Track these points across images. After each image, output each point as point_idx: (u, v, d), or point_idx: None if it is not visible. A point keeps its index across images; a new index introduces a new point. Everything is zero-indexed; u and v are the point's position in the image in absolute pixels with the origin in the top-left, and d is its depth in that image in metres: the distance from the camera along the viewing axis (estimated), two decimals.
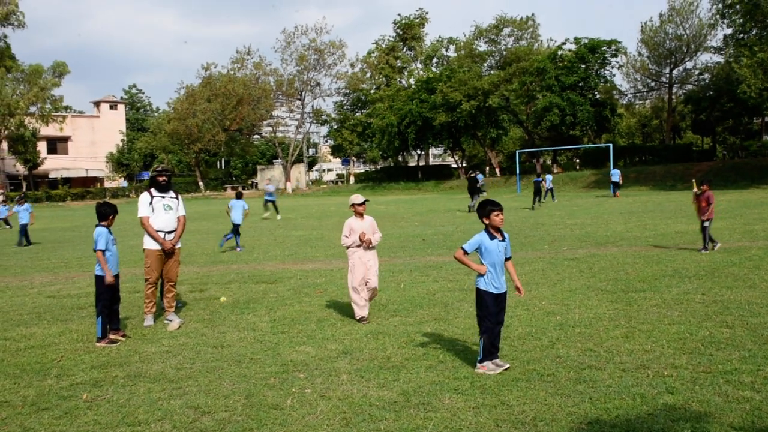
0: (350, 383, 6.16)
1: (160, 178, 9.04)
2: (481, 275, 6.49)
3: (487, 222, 6.58)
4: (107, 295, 8.04)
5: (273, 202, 32.28)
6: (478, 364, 6.41)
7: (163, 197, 8.99)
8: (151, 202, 8.90)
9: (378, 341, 7.66)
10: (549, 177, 38.68)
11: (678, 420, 4.94)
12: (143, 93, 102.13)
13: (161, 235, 8.85)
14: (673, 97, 63.42)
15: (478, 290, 6.52)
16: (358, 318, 8.74)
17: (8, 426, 5.39)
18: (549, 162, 66.34)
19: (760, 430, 4.72)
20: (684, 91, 63.77)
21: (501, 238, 6.59)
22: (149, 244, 8.87)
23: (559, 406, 5.33)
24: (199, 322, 9.08)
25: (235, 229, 18.12)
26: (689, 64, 62.25)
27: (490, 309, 6.43)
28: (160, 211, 8.91)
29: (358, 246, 8.77)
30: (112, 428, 5.23)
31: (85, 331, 8.66)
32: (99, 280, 8.05)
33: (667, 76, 62.55)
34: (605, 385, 5.79)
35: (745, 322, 7.82)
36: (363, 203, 8.90)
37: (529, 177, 56.81)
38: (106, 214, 8.19)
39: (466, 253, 6.49)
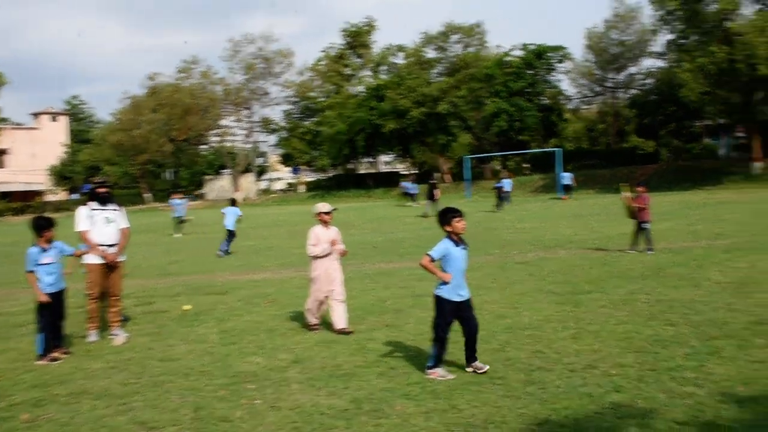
0: (301, 392, 6.10)
1: (100, 191, 8.84)
2: (444, 283, 6.46)
3: (449, 229, 6.60)
4: (47, 312, 7.81)
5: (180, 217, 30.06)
6: (428, 370, 6.41)
7: (104, 210, 8.79)
8: (91, 216, 8.69)
9: (329, 349, 7.62)
10: (508, 182, 39.21)
11: (624, 417, 5.02)
12: (86, 104, 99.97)
13: (103, 248, 8.65)
14: (618, 101, 64.82)
15: (439, 297, 6.50)
16: (311, 325, 8.68)
17: None
18: (499, 167, 66.97)
19: (702, 425, 4.82)
20: (629, 95, 65.25)
21: (464, 246, 6.55)
22: (90, 258, 8.65)
23: (509, 408, 5.37)
24: (146, 335, 8.89)
25: (230, 235, 18.82)
26: (633, 69, 63.77)
27: (447, 318, 6.46)
28: (100, 225, 8.70)
29: (327, 255, 8.63)
30: None
31: (25, 349, 8.40)
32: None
33: (613, 81, 63.93)
34: (554, 386, 5.85)
35: (689, 320, 8.00)
36: (330, 212, 8.80)
37: (478, 182, 57.39)
38: (40, 227, 7.95)
39: (432, 260, 6.46)
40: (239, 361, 7.33)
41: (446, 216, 6.66)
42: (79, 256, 8.49)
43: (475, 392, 5.82)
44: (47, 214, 8.23)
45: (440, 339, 6.43)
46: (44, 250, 7.89)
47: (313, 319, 8.68)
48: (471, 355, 6.53)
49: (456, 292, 6.49)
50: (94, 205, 8.77)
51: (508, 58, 59.99)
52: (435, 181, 34.94)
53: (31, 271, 7.79)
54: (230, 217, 18.90)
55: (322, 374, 6.64)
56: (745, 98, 41.78)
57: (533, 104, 58.02)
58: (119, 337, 8.60)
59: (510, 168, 65.68)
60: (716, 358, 6.41)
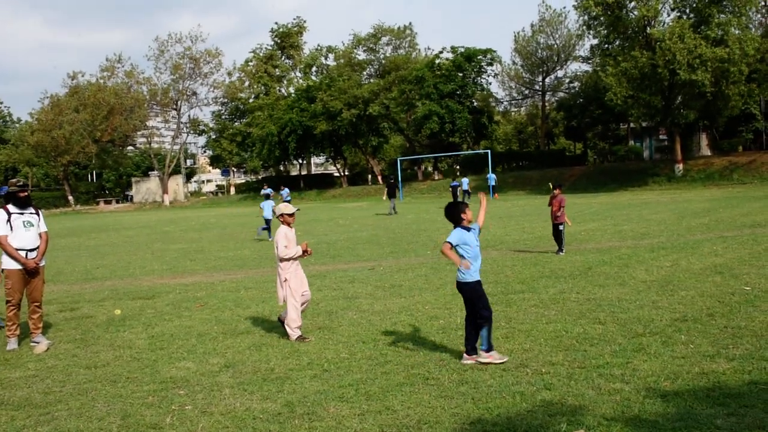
0: (233, 397, 5.99)
1: (21, 194, 8.51)
2: (466, 270, 6.81)
3: (464, 217, 6.95)
4: None
5: None
6: (485, 354, 6.62)
7: (22, 213, 8.46)
8: (8, 220, 8.34)
9: (261, 353, 7.51)
10: (465, 180, 41.02)
11: (555, 414, 5.09)
12: (2, 103, 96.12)
13: (23, 253, 8.32)
14: (546, 104, 66.27)
15: (470, 283, 6.87)
16: (300, 338, 8.05)
17: None
18: (430, 169, 67.60)
19: (629, 419, 4.93)
20: (556, 98, 66.87)
21: (472, 229, 7.10)
22: (9, 264, 8.32)
23: (442, 408, 5.38)
24: (70, 342, 8.59)
25: (267, 224, 22.63)
26: (560, 73, 65.49)
27: (485, 296, 6.90)
28: (19, 229, 8.37)
29: (300, 256, 8.41)
30: None
31: None
32: None
33: (540, 84, 65.37)
34: (487, 385, 5.90)
35: (616, 318, 8.20)
36: (293, 213, 8.57)
37: (410, 183, 57.79)
38: None
39: (452, 246, 6.83)
40: (168, 367, 7.15)
41: (459, 208, 7.05)
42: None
43: (408, 393, 5.81)
44: None
45: (489, 318, 6.72)
46: None
47: (298, 331, 8.12)
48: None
49: (479, 273, 6.95)
50: (12, 208, 8.43)
51: (438, 61, 60.59)
52: (393, 180, 36.13)
53: None
54: (267, 209, 22.53)
55: (254, 378, 6.53)
56: (667, 102, 43.28)
57: (464, 106, 58.78)
58: (41, 344, 8.28)
59: (441, 170, 66.47)
60: (642, 354, 6.58)
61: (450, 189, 39.28)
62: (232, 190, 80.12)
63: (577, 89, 63.17)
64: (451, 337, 7.74)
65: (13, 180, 8.67)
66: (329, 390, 6.04)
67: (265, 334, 8.49)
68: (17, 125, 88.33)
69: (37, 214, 8.68)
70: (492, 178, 42.79)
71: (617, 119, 59.79)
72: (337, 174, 75.40)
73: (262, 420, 5.37)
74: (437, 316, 8.94)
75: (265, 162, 73.29)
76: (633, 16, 42.41)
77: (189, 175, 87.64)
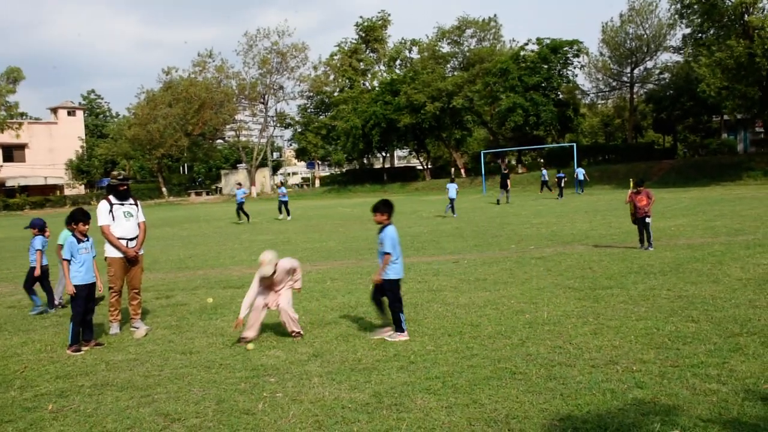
0: (321, 386, 6.12)
1: (121, 187, 8.90)
2: (391, 268, 7.72)
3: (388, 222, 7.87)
4: (78, 303, 7.91)
5: (241, 204, 31.95)
6: (398, 334, 7.67)
7: (123, 204, 8.85)
8: (110, 210, 8.75)
9: (348, 343, 7.63)
10: (544, 171, 41.11)
11: (648, 414, 4.99)
12: (102, 99, 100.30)
13: (123, 242, 8.72)
14: (635, 96, 64.42)
15: (393, 281, 7.76)
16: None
17: None
18: (514, 162, 66.85)
19: (726, 422, 4.79)
20: (645, 90, 64.89)
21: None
22: (111, 252, 8.72)
23: (530, 404, 5.35)
24: (166, 328, 8.95)
25: (452, 201, 27.50)
26: (650, 64, 63.47)
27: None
28: (120, 219, 8.77)
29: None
30: None
31: (49, 341, 8.49)
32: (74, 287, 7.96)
33: (629, 75, 63.56)
34: (575, 382, 5.83)
35: (710, 316, 7.95)
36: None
37: (494, 177, 57.18)
38: (77, 219, 8.07)
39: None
40: (259, 355, 7.35)
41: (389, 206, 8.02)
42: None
43: (496, 387, 5.81)
44: (84, 208, 8.35)
45: (401, 309, 7.81)
46: (80, 242, 8.00)
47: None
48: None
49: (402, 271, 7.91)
50: (113, 199, 8.83)
51: (523, 53, 59.73)
52: (507, 171, 36.49)
53: (67, 260, 7.89)
54: (452, 190, 27.26)
55: (342, 368, 6.65)
56: (765, 93, 41.38)
57: (549, 99, 57.83)
58: (140, 329, 8.67)
59: (525, 163, 65.60)
60: (739, 354, 6.37)
61: (556, 179, 39.79)
62: (317, 182, 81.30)
63: (667, 80, 61.14)
64: (537, 331, 7.67)
65: (114, 173, 9.08)
66: (416, 382, 6.09)
67: (351, 324, 8.61)
68: (116, 120, 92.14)
69: (136, 205, 9.06)
70: (580, 172, 41.99)
71: (710, 111, 57.60)
72: (420, 167, 75.44)
73: (351, 409, 5.47)
74: (523, 311, 8.87)
75: (349, 155, 74.04)
76: (729, 4, 40.66)
77: (275, 168, 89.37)
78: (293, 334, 8.10)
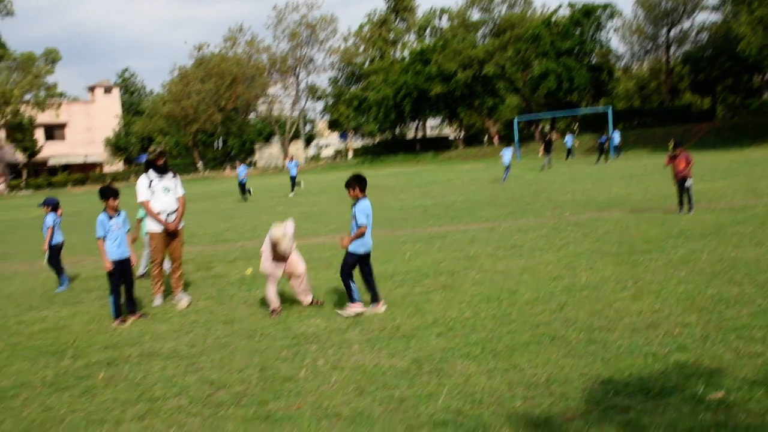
0: (361, 353, 6.20)
1: (159, 162, 9.02)
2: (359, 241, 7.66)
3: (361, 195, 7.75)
4: (114, 278, 8.08)
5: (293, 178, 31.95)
6: (352, 305, 7.68)
7: (162, 179, 8.98)
8: (150, 186, 8.88)
9: (387, 311, 7.69)
10: (567, 137, 40.64)
11: (691, 376, 4.97)
12: (136, 76, 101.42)
13: (163, 215, 8.86)
14: (671, 57, 63.09)
15: (354, 254, 7.69)
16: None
17: (30, 406, 5.46)
18: (547, 128, 66.12)
19: None
20: (682, 51, 63.47)
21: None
22: (152, 226, 8.87)
23: (571, 368, 5.37)
24: (207, 299, 9.12)
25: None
26: (686, 24, 62.18)
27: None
28: (159, 194, 8.90)
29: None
30: (131, 405, 5.29)
31: (96, 312, 8.71)
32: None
33: (664, 37, 62.25)
34: (616, 346, 5.82)
35: (754, 279, 7.84)
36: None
37: (527, 144, 56.68)
38: (106, 195, 8.19)
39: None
40: (299, 324, 7.46)
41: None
42: (139, 224, 8.71)
43: (535, 352, 5.83)
44: (113, 184, 8.47)
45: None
46: (110, 218, 8.13)
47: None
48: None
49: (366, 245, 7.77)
50: (152, 174, 8.95)
51: (555, 18, 58.74)
52: (550, 136, 36.28)
53: (100, 238, 8.04)
54: (507, 155, 27.93)
55: (381, 335, 6.72)
56: None
57: (582, 64, 56.92)
58: (183, 300, 8.84)
59: (559, 129, 64.83)
60: None
61: (597, 144, 39.95)
62: (350, 154, 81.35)
63: (704, 41, 59.75)
64: (575, 297, 7.65)
65: (151, 149, 9.20)
66: (455, 348, 6.14)
67: (389, 293, 8.65)
68: (150, 97, 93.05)
69: (176, 179, 9.19)
70: (616, 136, 41.54)
71: (750, 70, 56.21)
72: (453, 136, 75.03)
73: (391, 375, 5.53)
74: (560, 276, 8.84)
75: (381, 125, 73.87)
76: None
77: (308, 140, 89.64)
78: (315, 302, 8.32)
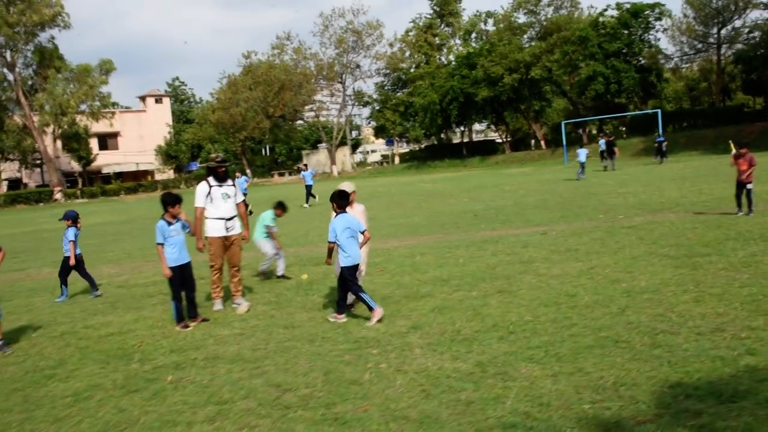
0: (424, 357, 6.24)
1: (220, 170, 9.20)
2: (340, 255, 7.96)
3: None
4: (174, 283, 8.26)
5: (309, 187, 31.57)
6: (337, 315, 7.96)
7: (221, 186, 9.15)
8: (209, 193, 9.05)
9: (445, 316, 7.72)
10: (601, 141, 40.23)
11: (763, 380, 4.90)
12: (186, 85, 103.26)
13: (222, 222, 9.01)
14: (722, 57, 61.78)
15: (344, 267, 7.92)
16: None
17: (105, 407, 5.63)
18: (595, 131, 65.35)
19: None
20: (733, 51, 62.08)
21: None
22: (211, 232, 9.03)
23: (637, 371, 5.33)
24: (266, 304, 9.26)
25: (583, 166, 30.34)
26: (738, 23, 60.58)
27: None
28: (218, 200, 9.06)
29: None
30: (201, 407, 5.42)
31: (159, 317, 8.92)
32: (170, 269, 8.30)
33: (715, 36, 60.94)
34: (682, 349, 5.76)
35: None
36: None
37: (574, 147, 55.95)
38: (167, 202, 8.38)
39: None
40: (358, 328, 7.53)
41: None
42: (193, 234, 8.88)
43: (599, 355, 5.80)
44: (174, 191, 8.68)
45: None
46: (169, 224, 8.31)
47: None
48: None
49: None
50: (212, 181, 9.13)
51: (603, 19, 58.03)
52: (613, 138, 36.23)
53: (160, 244, 8.22)
54: (582, 155, 31.12)
55: (442, 339, 6.76)
56: None
57: (630, 65, 56.12)
58: (242, 305, 8.99)
59: (607, 132, 64.02)
60: None
61: (655, 144, 39.92)
62: (397, 159, 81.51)
63: (757, 39, 58.26)
64: (636, 300, 7.58)
65: (213, 156, 9.37)
66: (518, 351, 6.14)
67: (446, 297, 8.69)
68: (200, 105, 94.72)
69: (234, 186, 9.36)
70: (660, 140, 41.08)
71: None
72: (499, 140, 74.63)
73: (456, 379, 5.56)
74: (619, 279, 8.76)
75: (427, 131, 73.90)
76: None
77: (355, 146, 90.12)
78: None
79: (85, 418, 5.43)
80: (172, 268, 8.24)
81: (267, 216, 11.33)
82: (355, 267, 7.96)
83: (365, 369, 6.04)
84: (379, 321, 7.64)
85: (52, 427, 5.30)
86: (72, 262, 11.01)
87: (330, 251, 8.03)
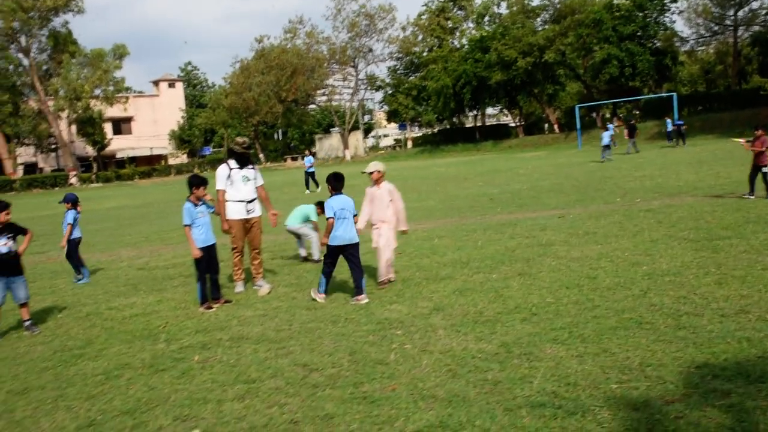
0: (448, 338, 6.28)
1: (243, 152, 9.22)
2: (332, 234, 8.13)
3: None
4: (201, 265, 8.34)
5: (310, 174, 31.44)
6: (317, 293, 8.23)
7: (241, 169, 9.19)
8: (229, 176, 9.10)
9: (467, 297, 7.76)
10: (609, 127, 39.17)
11: None
12: (198, 70, 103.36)
13: (242, 204, 9.07)
14: (739, 40, 61.16)
15: (330, 246, 8.18)
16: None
17: (134, 385, 5.73)
18: (609, 115, 64.94)
19: None
20: (750, 33, 61.45)
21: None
22: (233, 214, 9.09)
23: (663, 352, 5.35)
24: (287, 286, 9.34)
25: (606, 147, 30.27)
26: (755, 4, 60.16)
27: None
28: (238, 183, 9.11)
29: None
30: (229, 386, 5.49)
31: (181, 299, 9.01)
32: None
33: (732, 18, 60.35)
34: (707, 331, 5.77)
35: None
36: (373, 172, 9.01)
37: (588, 131, 55.76)
38: (193, 184, 8.44)
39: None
40: (381, 309, 7.59)
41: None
42: (218, 213, 8.95)
43: (624, 337, 5.82)
44: (200, 173, 8.75)
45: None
46: (195, 206, 8.38)
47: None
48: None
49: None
50: (233, 164, 9.18)
51: (617, 2, 57.48)
52: (634, 121, 36.24)
53: (188, 225, 8.30)
54: (606, 137, 30.59)
55: (465, 320, 6.80)
56: None
57: (645, 48, 55.63)
58: (264, 287, 9.07)
59: (621, 116, 63.60)
60: None
61: (674, 127, 39.60)
62: (409, 143, 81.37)
63: None
64: (657, 282, 7.58)
65: (240, 140, 9.35)
66: (542, 332, 6.17)
67: (467, 279, 8.73)
68: (213, 90, 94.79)
69: (254, 169, 9.41)
70: (669, 124, 40.74)
71: None
72: (512, 124, 74.34)
73: (481, 359, 5.61)
74: (639, 262, 8.76)
75: (439, 115, 73.68)
76: None
77: (367, 131, 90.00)
78: (389, 281, 8.79)
79: (116, 395, 5.52)
80: (200, 249, 8.32)
81: (311, 210, 11.56)
82: (341, 248, 8.17)
83: (390, 349, 6.09)
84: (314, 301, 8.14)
85: (85, 403, 5.40)
86: (63, 243, 11.12)
87: (329, 227, 8.11)
